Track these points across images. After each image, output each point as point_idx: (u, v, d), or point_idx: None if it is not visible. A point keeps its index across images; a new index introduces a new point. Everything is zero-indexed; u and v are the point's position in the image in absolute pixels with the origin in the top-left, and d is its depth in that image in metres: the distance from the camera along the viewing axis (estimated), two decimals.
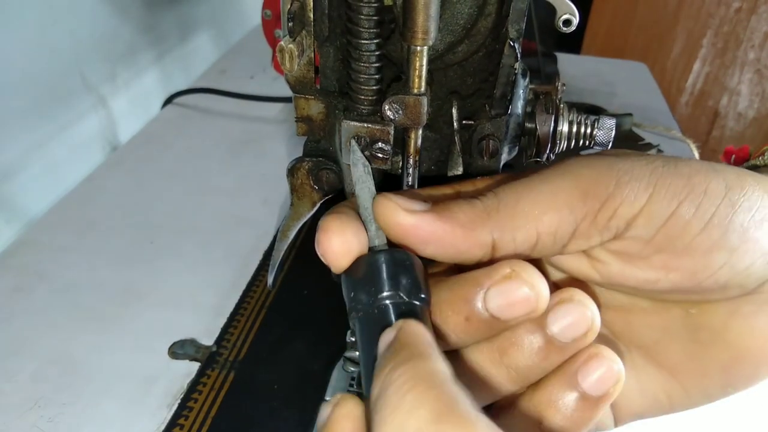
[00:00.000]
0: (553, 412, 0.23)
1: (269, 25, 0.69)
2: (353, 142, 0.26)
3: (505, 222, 0.22)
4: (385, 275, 0.21)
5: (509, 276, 0.21)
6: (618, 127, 0.34)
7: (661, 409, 0.25)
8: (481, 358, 0.24)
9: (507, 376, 0.23)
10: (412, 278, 0.21)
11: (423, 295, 0.21)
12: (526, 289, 0.21)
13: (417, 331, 0.19)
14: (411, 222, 0.22)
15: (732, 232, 0.21)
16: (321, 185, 0.30)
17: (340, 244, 0.22)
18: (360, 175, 0.24)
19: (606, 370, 0.22)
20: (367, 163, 0.25)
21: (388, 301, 0.20)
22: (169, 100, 0.81)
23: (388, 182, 0.28)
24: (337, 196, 0.30)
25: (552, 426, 0.23)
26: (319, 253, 0.22)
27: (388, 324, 0.20)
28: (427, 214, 0.22)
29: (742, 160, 0.57)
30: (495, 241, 0.22)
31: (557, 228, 0.22)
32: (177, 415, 0.41)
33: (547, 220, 0.22)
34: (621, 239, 0.22)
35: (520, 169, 0.25)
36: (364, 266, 0.22)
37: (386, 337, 0.19)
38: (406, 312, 0.20)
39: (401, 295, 0.20)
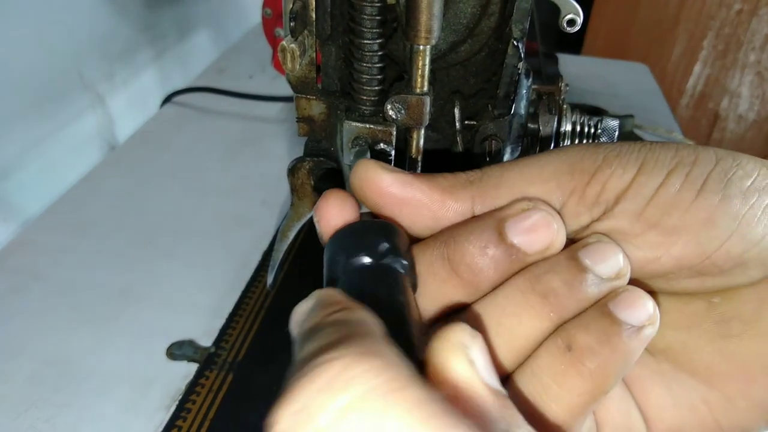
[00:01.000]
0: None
1: (269, 23, 0.69)
2: (361, 143, 0.26)
3: (488, 190, 0.21)
4: (361, 239, 0.20)
5: (527, 207, 0.20)
6: (620, 128, 0.34)
7: (703, 423, 0.22)
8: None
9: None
10: (392, 243, 0.20)
11: (405, 261, 0.20)
12: (545, 213, 0.20)
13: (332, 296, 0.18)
14: (388, 180, 0.21)
15: (731, 197, 0.19)
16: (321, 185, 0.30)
17: (334, 207, 0.21)
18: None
19: (640, 301, 0.20)
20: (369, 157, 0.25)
21: (365, 260, 0.20)
22: (167, 99, 0.81)
23: None
24: None
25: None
26: (315, 218, 0.22)
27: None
28: (406, 176, 0.21)
29: None
30: (476, 212, 0.21)
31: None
32: (175, 417, 0.41)
33: (532, 192, 0.21)
34: (609, 216, 0.21)
35: None
36: (349, 229, 0.21)
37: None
38: (381, 273, 0.19)
39: (378, 257, 0.20)
